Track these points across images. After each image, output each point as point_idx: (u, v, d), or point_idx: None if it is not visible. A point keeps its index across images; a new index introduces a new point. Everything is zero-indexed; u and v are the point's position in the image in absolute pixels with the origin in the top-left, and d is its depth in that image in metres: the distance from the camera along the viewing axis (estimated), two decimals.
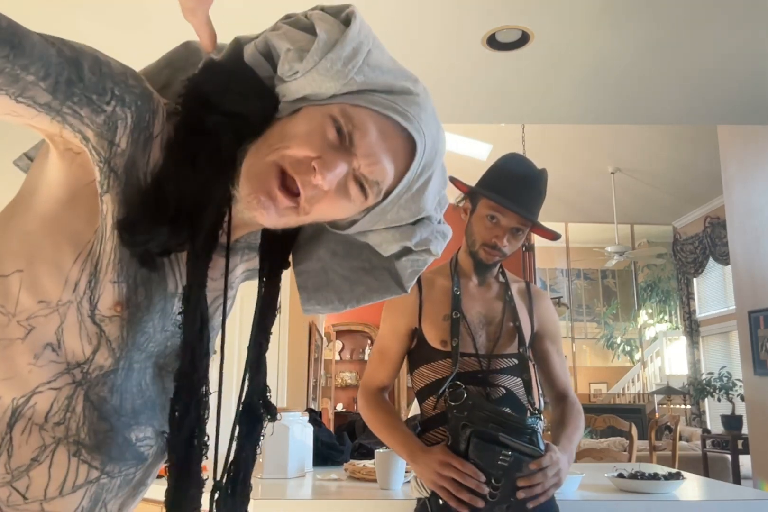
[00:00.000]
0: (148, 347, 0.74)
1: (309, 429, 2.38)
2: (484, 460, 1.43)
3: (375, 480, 2.07)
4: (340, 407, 8.98)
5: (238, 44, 0.76)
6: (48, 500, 0.69)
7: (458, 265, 1.78)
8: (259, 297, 0.83)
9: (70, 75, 0.62)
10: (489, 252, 1.69)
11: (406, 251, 0.83)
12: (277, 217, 0.71)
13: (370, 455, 2.41)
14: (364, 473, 2.19)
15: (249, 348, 0.81)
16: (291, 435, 2.24)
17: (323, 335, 8.01)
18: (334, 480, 2.20)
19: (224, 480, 0.76)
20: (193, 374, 0.70)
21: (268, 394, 0.82)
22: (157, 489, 0.81)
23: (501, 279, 1.79)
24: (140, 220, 0.67)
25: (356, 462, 2.32)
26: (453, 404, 1.52)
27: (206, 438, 0.72)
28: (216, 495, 0.74)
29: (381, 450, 2.02)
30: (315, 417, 2.62)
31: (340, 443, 2.68)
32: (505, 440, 1.43)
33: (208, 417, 0.72)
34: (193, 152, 0.69)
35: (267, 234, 0.84)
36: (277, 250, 0.84)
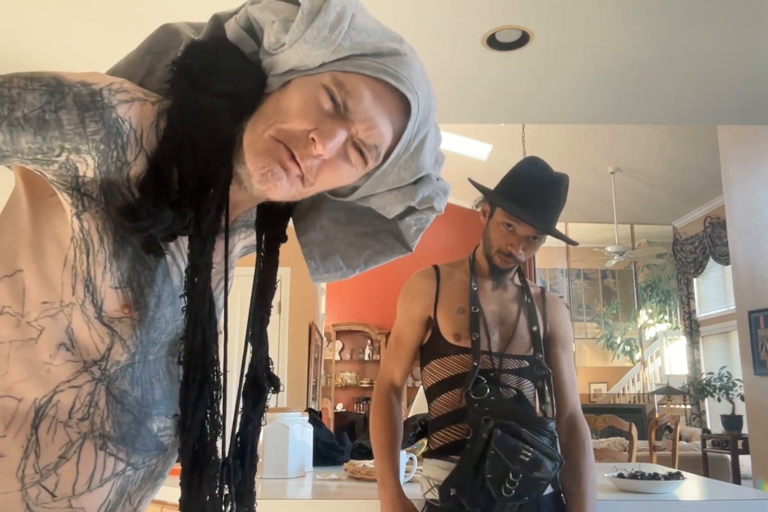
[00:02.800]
0: (161, 338, 0.75)
1: (309, 429, 2.38)
2: (505, 453, 1.43)
3: (375, 480, 2.07)
4: (340, 407, 8.98)
5: (218, 21, 0.75)
6: (76, 496, 0.69)
7: (476, 263, 1.77)
8: (257, 271, 0.83)
9: (4, 152, 0.63)
10: (504, 259, 1.68)
11: (410, 211, 0.83)
12: (288, 186, 0.71)
13: (370, 455, 2.41)
14: (364, 473, 2.19)
15: (250, 322, 0.81)
16: (291, 435, 2.24)
17: (323, 335, 8.01)
18: (334, 480, 2.20)
19: (232, 454, 0.76)
20: (205, 355, 0.71)
21: (271, 367, 0.83)
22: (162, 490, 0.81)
23: (518, 282, 1.77)
24: (141, 206, 0.66)
25: (356, 462, 2.32)
26: (475, 398, 1.52)
27: (218, 418, 0.72)
28: (225, 470, 0.75)
29: None
30: (315, 417, 2.62)
31: (340, 443, 2.67)
32: (528, 437, 1.44)
33: (220, 398, 0.72)
34: (191, 135, 0.68)
35: (262, 208, 0.84)
36: (274, 223, 0.84)
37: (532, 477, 1.42)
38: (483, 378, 1.57)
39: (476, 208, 1.77)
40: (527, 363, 1.66)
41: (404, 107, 0.73)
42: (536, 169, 1.70)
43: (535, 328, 1.69)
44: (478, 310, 1.66)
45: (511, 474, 1.42)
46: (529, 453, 1.42)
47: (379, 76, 0.71)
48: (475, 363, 1.60)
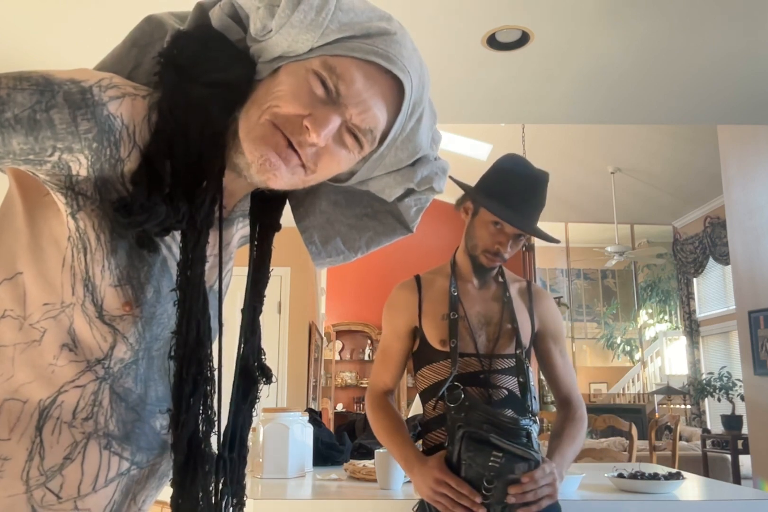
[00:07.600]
0: (164, 334, 0.74)
1: (309, 429, 2.38)
2: (475, 461, 1.43)
3: (375, 480, 2.07)
4: (340, 407, 8.98)
5: (202, 10, 0.74)
6: (82, 497, 0.69)
7: (456, 266, 1.77)
8: (251, 260, 0.82)
9: None
10: (490, 258, 1.68)
11: (409, 192, 0.83)
12: (288, 175, 0.70)
13: (370, 455, 2.41)
14: (364, 473, 2.19)
15: (243, 311, 0.80)
16: (291, 435, 2.24)
17: (323, 335, 8.00)
18: (334, 480, 2.20)
19: (225, 446, 0.75)
20: (199, 350, 0.69)
21: (263, 357, 0.82)
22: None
23: (499, 279, 1.78)
24: (134, 201, 0.65)
25: (356, 462, 2.32)
26: (451, 405, 1.52)
27: (212, 414, 0.71)
28: (221, 463, 0.73)
29: (381, 450, 2.02)
30: (315, 417, 2.62)
31: (340, 443, 2.67)
32: (496, 441, 1.43)
33: (214, 393, 0.71)
34: (183, 127, 0.67)
35: (256, 197, 0.83)
36: (267, 212, 0.83)
37: (508, 480, 1.41)
38: (459, 385, 1.56)
39: (457, 206, 1.72)
40: (514, 362, 1.67)
41: (397, 87, 0.72)
42: (519, 167, 1.67)
43: (515, 325, 1.69)
44: (456, 316, 1.67)
45: (485, 481, 1.42)
46: (499, 459, 1.42)
47: (370, 57, 0.70)
48: (452, 371, 1.61)
